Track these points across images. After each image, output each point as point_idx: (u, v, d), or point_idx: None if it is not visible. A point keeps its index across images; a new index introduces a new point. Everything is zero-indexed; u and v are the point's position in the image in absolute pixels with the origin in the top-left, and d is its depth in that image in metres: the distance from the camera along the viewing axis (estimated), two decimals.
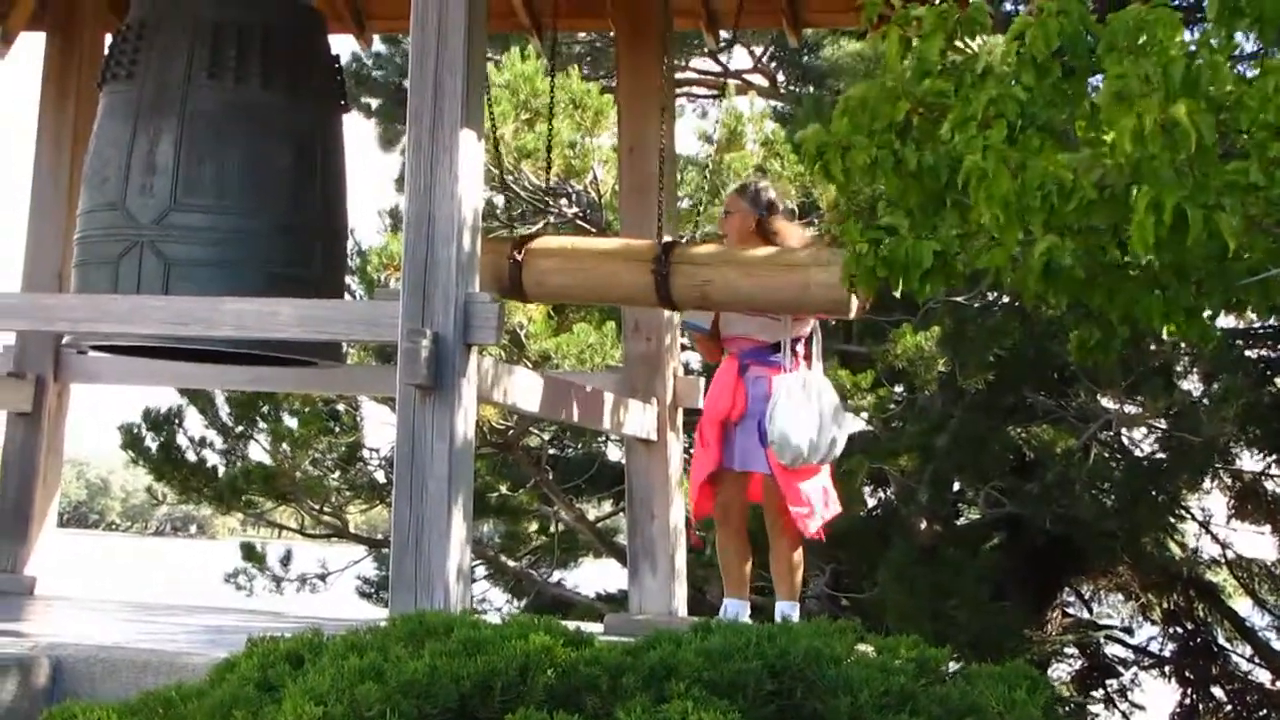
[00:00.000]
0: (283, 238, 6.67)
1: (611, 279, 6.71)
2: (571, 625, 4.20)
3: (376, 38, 9.67)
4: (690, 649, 3.90)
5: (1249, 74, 3.52)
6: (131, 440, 13.47)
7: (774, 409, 6.48)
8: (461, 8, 5.85)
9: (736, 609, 6.77)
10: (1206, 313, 4.03)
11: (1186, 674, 15.51)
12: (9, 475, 7.76)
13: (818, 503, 6.59)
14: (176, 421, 13.50)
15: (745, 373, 6.72)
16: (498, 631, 3.94)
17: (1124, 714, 15.57)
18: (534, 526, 15.36)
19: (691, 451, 7.25)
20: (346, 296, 8.80)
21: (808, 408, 6.47)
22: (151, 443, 13.46)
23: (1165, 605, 15.82)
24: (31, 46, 8.23)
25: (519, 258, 6.75)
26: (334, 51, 7.16)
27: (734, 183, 11.54)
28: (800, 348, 6.72)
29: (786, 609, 6.67)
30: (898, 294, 3.98)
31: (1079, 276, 3.58)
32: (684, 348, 8.42)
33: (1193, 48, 3.45)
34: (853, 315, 6.55)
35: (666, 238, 7.00)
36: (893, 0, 3.94)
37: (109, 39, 7.44)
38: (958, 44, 3.83)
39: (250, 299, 6.16)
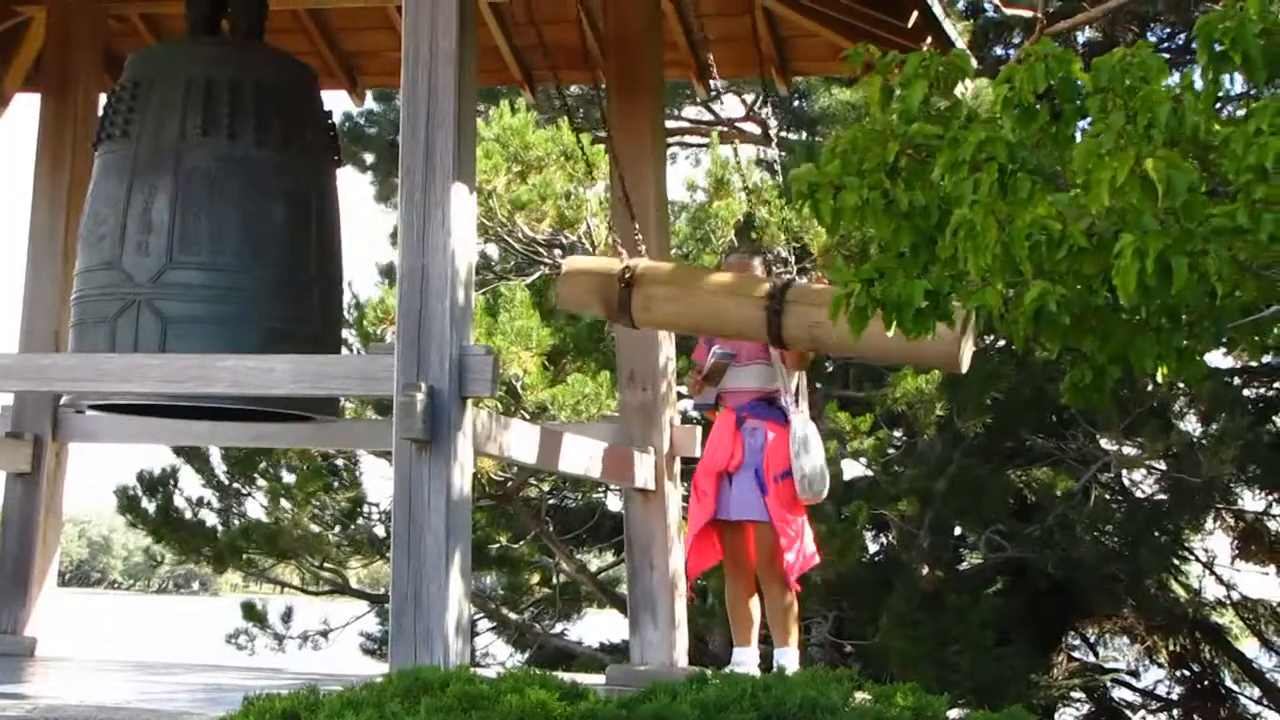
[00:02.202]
0: (280, 293, 6.67)
1: (723, 311, 6.60)
2: (568, 678, 4.20)
3: (369, 94, 9.71)
4: (686, 701, 3.89)
5: (1239, 114, 3.52)
6: (128, 503, 13.42)
7: (803, 448, 6.58)
8: (452, 65, 5.88)
9: (748, 658, 6.78)
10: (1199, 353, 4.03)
11: (1195, 717, 15.45)
12: (8, 536, 7.74)
13: (803, 552, 6.67)
14: (173, 482, 13.46)
15: (742, 425, 6.78)
16: (494, 686, 3.93)
17: None
18: (535, 578, 15.32)
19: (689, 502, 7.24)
20: (344, 351, 8.80)
21: (819, 446, 6.68)
22: (148, 504, 13.42)
23: (1171, 647, 15.76)
24: (26, 108, 8.28)
25: (630, 280, 6.66)
26: (327, 107, 7.20)
27: (722, 230, 11.59)
28: (787, 399, 6.80)
29: (783, 656, 6.68)
30: (890, 334, 3.98)
31: (1069, 321, 3.58)
32: (680, 396, 8.41)
33: (1178, 91, 3.47)
34: (965, 369, 6.48)
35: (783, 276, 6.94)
36: (874, 50, 3.96)
37: (103, 99, 7.47)
38: (940, 92, 3.85)
39: (245, 355, 6.17)
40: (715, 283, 6.78)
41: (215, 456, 13.40)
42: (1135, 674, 16.32)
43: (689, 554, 6.94)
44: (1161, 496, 14.19)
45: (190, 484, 13.55)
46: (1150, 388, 12.47)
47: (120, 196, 6.64)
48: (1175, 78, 3.64)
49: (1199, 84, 3.46)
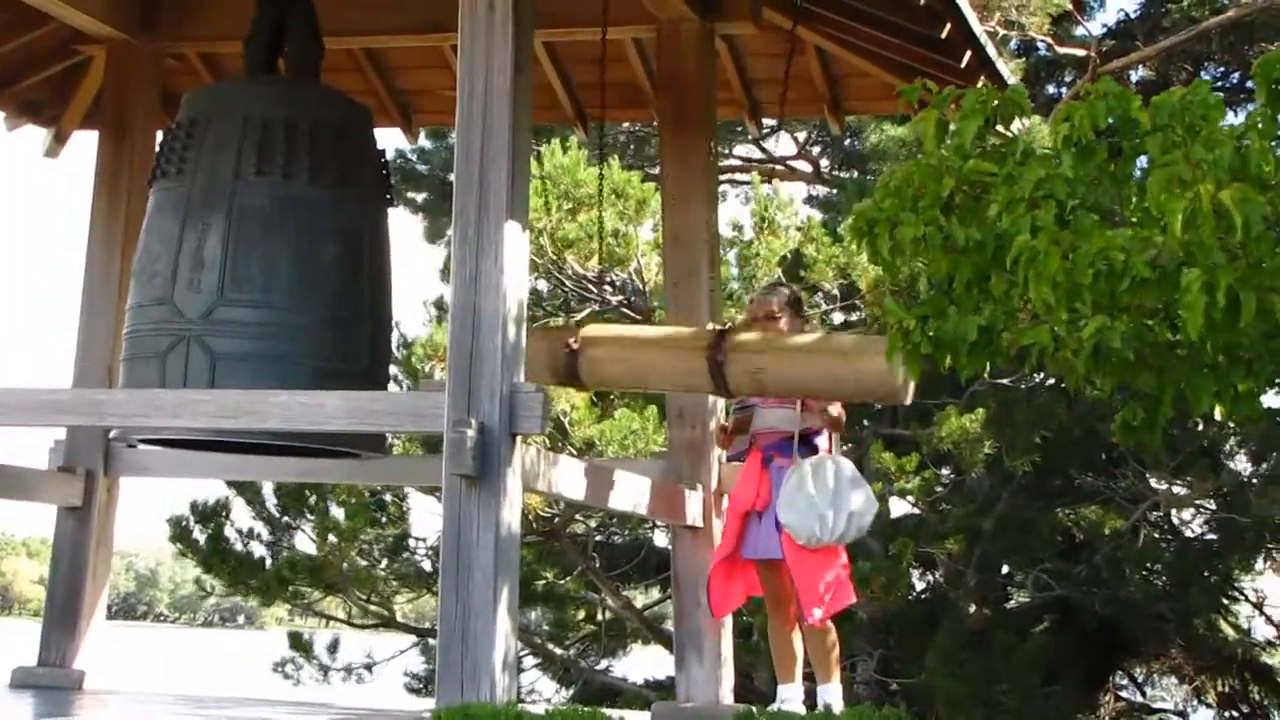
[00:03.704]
0: (329, 332, 6.69)
1: (666, 367, 6.71)
2: (615, 715, 4.19)
3: (422, 131, 9.78)
4: None
5: None
6: (180, 533, 13.52)
7: (781, 492, 6.56)
8: (507, 103, 5.91)
9: (793, 695, 6.77)
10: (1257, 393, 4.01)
11: None
12: (59, 569, 7.78)
13: (825, 593, 6.62)
14: (224, 513, 13.55)
15: (769, 464, 6.81)
16: None
17: None
18: (581, 614, 15.31)
19: None
20: (391, 387, 8.83)
21: (818, 487, 6.56)
22: (200, 535, 13.51)
23: (1220, 688, 15.63)
24: (85, 146, 8.37)
25: (574, 346, 6.76)
26: (380, 146, 7.24)
27: (766, 269, 11.61)
28: (821, 439, 6.78)
29: (826, 693, 6.66)
30: (944, 370, 3.98)
31: (1128, 357, 3.57)
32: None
33: (1241, 130, 3.46)
34: (907, 401, 6.57)
35: (713, 325, 7.03)
36: (930, 86, 3.97)
37: (159, 137, 7.54)
38: (996, 128, 3.85)
39: (297, 392, 6.18)
40: (655, 339, 6.83)
41: (267, 489, 13.47)
42: (1184, 715, 16.18)
43: (710, 590, 6.94)
44: (1211, 536, 14.09)
45: (241, 516, 13.64)
46: (1200, 427, 12.41)
47: (174, 233, 6.68)
48: (1231, 117, 3.65)
49: (1259, 124, 3.46)
